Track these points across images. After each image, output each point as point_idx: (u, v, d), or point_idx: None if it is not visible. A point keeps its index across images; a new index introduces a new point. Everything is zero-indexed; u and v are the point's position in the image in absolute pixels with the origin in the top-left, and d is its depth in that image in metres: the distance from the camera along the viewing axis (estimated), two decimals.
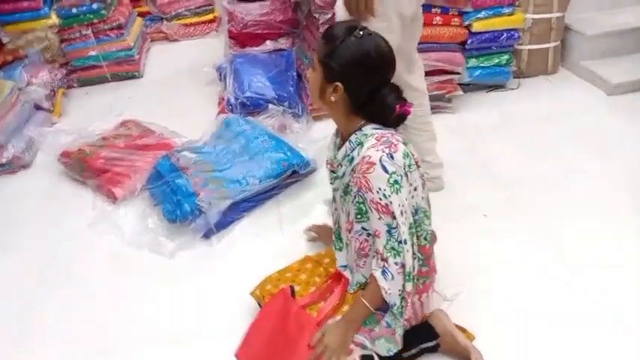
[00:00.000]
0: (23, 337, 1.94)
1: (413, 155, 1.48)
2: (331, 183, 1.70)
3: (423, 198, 1.54)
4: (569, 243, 2.14)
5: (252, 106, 3.02)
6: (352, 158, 1.48)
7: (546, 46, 3.42)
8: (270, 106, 3.00)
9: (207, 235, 2.30)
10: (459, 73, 3.14)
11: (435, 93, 3.10)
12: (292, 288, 1.78)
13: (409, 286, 1.48)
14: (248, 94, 3.00)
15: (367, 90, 1.44)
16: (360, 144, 1.45)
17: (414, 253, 1.49)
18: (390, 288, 1.47)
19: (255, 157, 2.51)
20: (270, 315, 1.73)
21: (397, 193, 1.40)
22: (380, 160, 1.38)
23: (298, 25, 3.54)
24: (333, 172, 1.66)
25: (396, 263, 1.45)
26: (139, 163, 2.69)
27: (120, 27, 3.80)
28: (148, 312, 2.00)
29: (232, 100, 3.03)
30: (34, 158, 3.01)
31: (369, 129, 1.47)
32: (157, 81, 3.94)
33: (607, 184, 2.48)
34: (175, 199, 2.33)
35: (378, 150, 1.40)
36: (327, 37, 1.45)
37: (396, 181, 1.40)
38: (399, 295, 1.49)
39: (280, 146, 2.56)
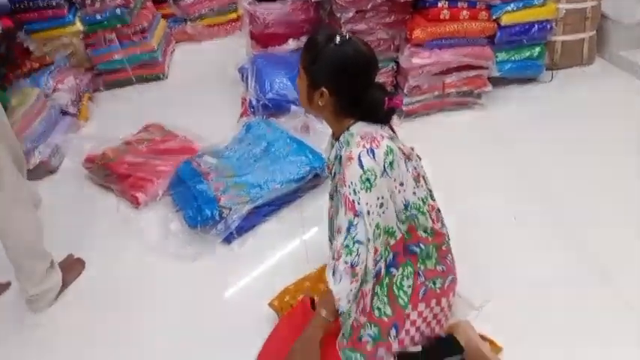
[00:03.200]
0: (44, 336, 1.97)
1: (401, 149, 1.48)
2: (330, 185, 1.71)
3: (414, 193, 1.52)
4: (605, 248, 2.02)
5: (274, 108, 2.97)
6: (340, 157, 1.50)
7: (581, 36, 3.27)
8: (293, 107, 2.94)
9: (228, 240, 2.27)
10: (487, 68, 3.02)
11: (463, 89, 3.01)
12: (312, 299, 1.73)
13: (368, 286, 1.49)
14: (270, 95, 2.95)
15: (352, 92, 1.46)
16: (347, 143, 1.47)
17: (379, 257, 1.47)
18: (339, 292, 1.45)
19: (277, 161, 2.47)
20: (289, 327, 1.68)
21: (367, 191, 1.40)
22: (359, 156, 1.39)
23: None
24: (330, 173, 1.66)
25: (345, 262, 1.44)
26: (162, 168, 2.68)
27: (143, 31, 3.81)
28: (167, 317, 2.00)
29: (254, 102, 2.99)
30: (60, 164, 3.04)
31: (355, 127, 1.48)
32: (181, 83, 3.95)
33: None
34: (196, 205, 2.31)
35: (359, 146, 1.41)
36: (309, 46, 1.48)
37: (368, 179, 1.40)
38: (347, 300, 1.46)
39: (302, 149, 2.51)
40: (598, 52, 3.41)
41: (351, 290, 1.46)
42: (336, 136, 1.56)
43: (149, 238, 2.37)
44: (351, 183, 1.40)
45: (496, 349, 1.63)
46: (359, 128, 1.47)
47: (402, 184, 1.48)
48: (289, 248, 2.23)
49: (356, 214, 1.41)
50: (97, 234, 2.47)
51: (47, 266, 2.04)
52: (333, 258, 1.46)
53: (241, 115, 3.09)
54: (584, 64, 3.35)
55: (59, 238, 2.47)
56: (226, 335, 1.86)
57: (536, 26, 3.05)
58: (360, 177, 1.39)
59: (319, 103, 1.48)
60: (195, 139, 2.92)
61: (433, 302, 1.57)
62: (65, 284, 2.13)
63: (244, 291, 2.07)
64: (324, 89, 1.45)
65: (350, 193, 1.41)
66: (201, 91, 3.72)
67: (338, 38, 1.42)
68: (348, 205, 1.42)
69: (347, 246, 1.44)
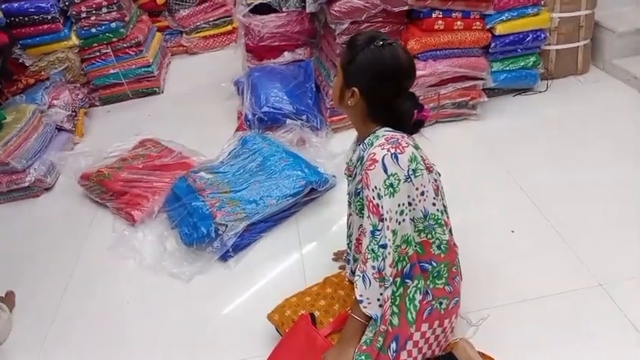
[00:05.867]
0: (45, 355, 1.97)
1: (424, 160, 1.47)
2: (349, 186, 1.70)
3: (434, 204, 1.50)
4: (604, 260, 2.01)
5: (270, 122, 2.97)
6: (363, 158, 1.49)
7: (575, 45, 3.27)
8: (289, 120, 2.94)
9: (224, 258, 2.26)
10: (483, 79, 3.02)
11: (458, 100, 3.01)
12: (312, 315, 1.72)
13: (388, 292, 1.47)
14: (265, 109, 2.95)
15: (383, 97, 1.47)
16: (371, 144, 1.46)
17: (397, 262, 1.46)
18: (369, 297, 1.47)
19: (273, 175, 2.46)
20: (294, 345, 1.67)
21: (390, 196, 1.39)
22: (382, 159, 1.38)
23: (316, 34, 3.48)
24: (349, 176, 1.65)
25: (373, 267, 1.45)
26: (158, 184, 2.67)
27: (139, 44, 3.81)
28: (164, 337, 1.98)
29: (250, 116, 2.98)
30: (56, 181, 3.04)
31: (382, 131, 1.48)
32: (176, 97, 3.95)
33: None
34: (192, 222, 2.30)
35: (383, 149, 1.40)
36: (350, 45, 1.49)
37: (391, 184, 1.39)
38: (379, 304, 1.48)
39: (298, 164, 2.50)
40: (592, 61, 3.41)
41: (381, 294, 1.47)
42: (359, 139, 1.57)
43: (145, 257, 2.35)
44: (375, 187, 1.40)
45: None
46: (384, 132, 1.47)
47: (422, 194, 1.46)
48: (286, 264, 2.22)
49: (380, 219, 1.41)
50: (93, 252, 2.47)
51: None
52: (363, 261, 1.46)
53: (237, 129, 3.09)
54: (579, 73, 3.35)
55: (56, 256, 2.47)
56: (224, 354, 1.85)
57: (530, 35, 3.04)
58: (384, 181, 1.38)
59: (349, 102, 1.49)
60: (190, 154, 2.92)
61: (436, 323, 1.55)
62: None
63: (242, 309, 2.05)
64: (356, 89, 1.46)
65: (374, 197, 1.41)
66: (197, 105, 3.72)
67: (379, 41, 1.42)
68: (372, 208, 1.42)
69: (372, 250, 1.44)
